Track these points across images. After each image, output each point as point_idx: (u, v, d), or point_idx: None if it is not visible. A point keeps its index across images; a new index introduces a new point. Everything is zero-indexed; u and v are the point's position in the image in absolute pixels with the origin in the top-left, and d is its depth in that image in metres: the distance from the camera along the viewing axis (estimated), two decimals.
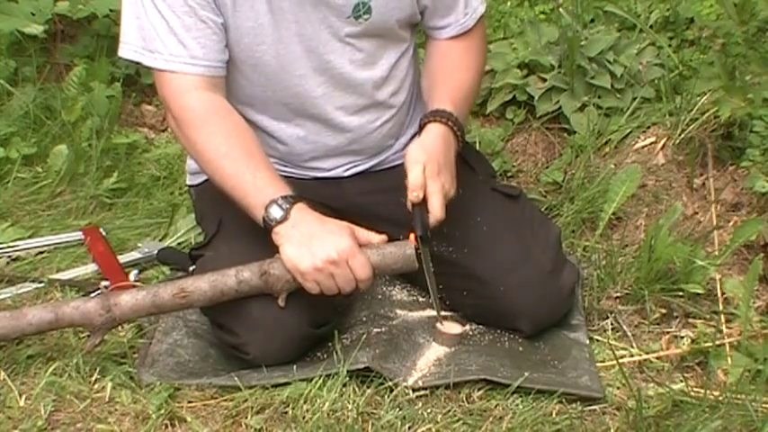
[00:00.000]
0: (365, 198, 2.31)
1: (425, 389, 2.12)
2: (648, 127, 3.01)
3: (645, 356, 2.30)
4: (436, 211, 2.13)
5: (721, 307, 2.42)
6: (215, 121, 2.19)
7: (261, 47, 2.22)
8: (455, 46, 2.38)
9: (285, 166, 2.38)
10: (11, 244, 2.69)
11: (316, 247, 2.06)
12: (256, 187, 2.13)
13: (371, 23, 2.25)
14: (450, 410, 2.08)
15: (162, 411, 2.04)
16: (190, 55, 2.17)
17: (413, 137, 2.36)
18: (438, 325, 2.27)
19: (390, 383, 2.10)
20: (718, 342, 2.29)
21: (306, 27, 2.22)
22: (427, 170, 2.13)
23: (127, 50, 2.23)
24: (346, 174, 2.41)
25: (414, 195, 2.12)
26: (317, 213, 2.13)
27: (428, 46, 2.43)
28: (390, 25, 2.29)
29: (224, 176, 2.17)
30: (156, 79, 2.24)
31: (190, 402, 2.10)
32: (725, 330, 2.35)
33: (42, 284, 2.51)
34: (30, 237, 2.73)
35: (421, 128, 2.24)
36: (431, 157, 2.15)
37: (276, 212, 2.10)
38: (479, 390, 2.13)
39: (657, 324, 2.41)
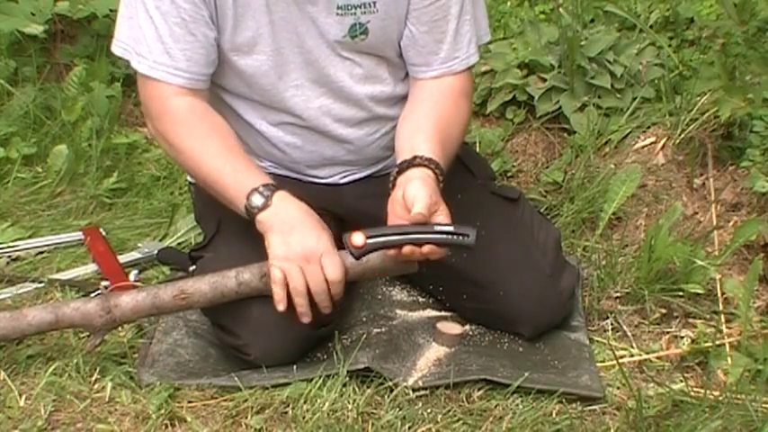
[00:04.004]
0: (365, 202, 2.29)
1: (425, 389, 2.12)
2: (648, 127, 3.00)
3: (645, 356, 2.30)
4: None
5: (721, 307, 2.42)
6: (193, 122, 2.19)
7: (259, 56, 2.22)
8: (434, 86, 2.27)
9: (280, 169, 2.38)
10: (11, 244, 2.68)
11: (292, 238, 2.07)
12: (236, 179, 2.14)
13: (368, 44, 2.23)
14: (450, 410, 2.08)
15: (162, 411, 2.04)
16: (174, 66, 2.17)
17: None
18: (438, 325, 2.27)
19: (390, 383, 2.10)
20: (718, 342, 2.29)
21: (305, 40, 2.21)
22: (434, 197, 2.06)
23: (117, 47, 2.24)
24: (343, 181, 2.40)
25: (422, 214, 2.02)
26: (300, 202, 2.12)
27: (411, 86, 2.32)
28: (392, 46, 2.27)
29: (204, 174, 2.19)
30: (139, 82, 2.25)
31: (190, 402, 2.10)
32: (725, 330, 2.35)
33: (42, 284, 2.50)
34: (30, 237, 2.73)
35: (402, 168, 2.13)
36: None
37: (257, 200, 2.10)
38: (479, 390, 2.13)
39: (657, 324, 2.41)
